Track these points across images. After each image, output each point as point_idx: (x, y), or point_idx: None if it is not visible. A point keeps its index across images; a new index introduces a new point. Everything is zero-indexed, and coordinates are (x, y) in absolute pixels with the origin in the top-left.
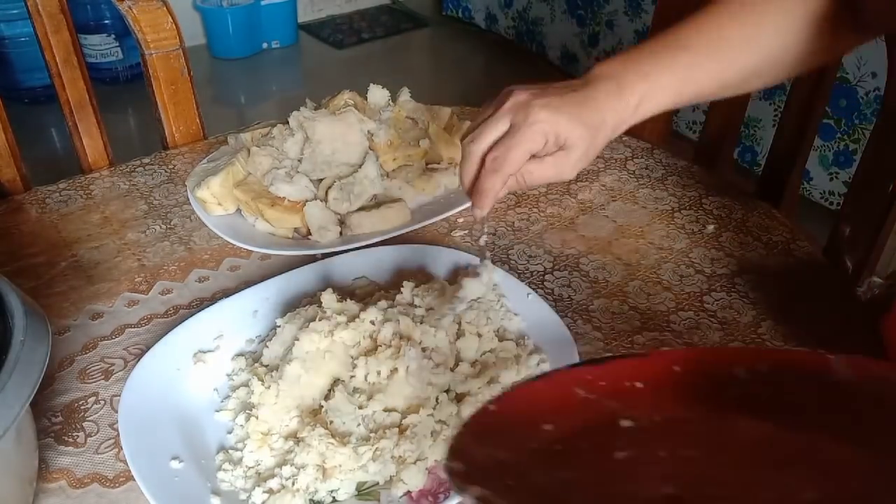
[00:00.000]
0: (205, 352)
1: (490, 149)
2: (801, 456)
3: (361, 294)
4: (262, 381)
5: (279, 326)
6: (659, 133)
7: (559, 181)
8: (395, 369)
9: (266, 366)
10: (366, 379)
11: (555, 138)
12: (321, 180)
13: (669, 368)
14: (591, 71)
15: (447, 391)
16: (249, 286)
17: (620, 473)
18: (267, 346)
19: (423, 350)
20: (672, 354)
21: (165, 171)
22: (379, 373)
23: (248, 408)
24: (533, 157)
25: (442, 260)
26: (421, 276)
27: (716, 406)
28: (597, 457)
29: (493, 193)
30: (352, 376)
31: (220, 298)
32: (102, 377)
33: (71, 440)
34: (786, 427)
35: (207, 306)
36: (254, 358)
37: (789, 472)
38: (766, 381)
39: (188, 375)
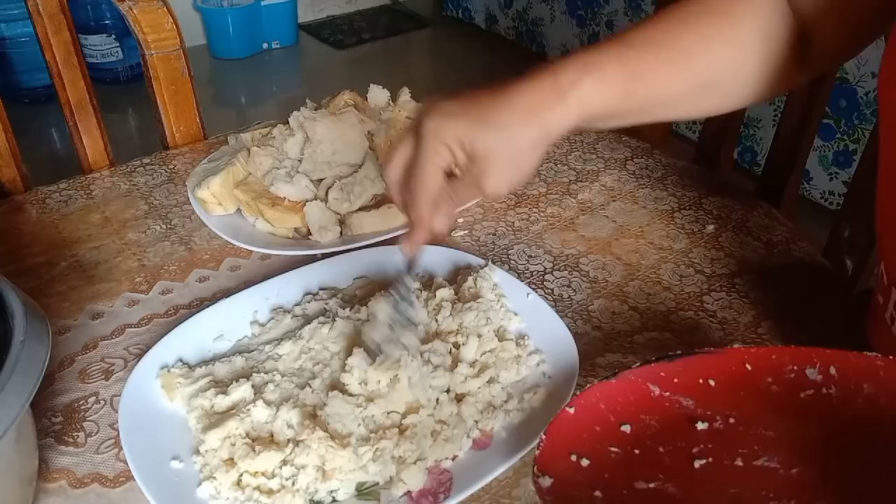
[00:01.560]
0: (205, 352)
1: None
2: (879, 471)
3: (362, 294)
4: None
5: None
6: (659, 133)
7: (494, 199)
8: (397, 377)
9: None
10: (365, 386)
11: (460, 148)
12: (321, 180)
13: (742, 366)
14: (534, 70)
15: (447, 391)
16: (249, 286)
17: (700, 485)
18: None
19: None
20: (745, 352)
21: (166, 171)
22: (379, 381)
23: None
24: (452, 175)
25: (442, 260)
26: (422, 276)
27: (788, 408)
28: (676, 465)
29: (424, 229)
30: (346, 384)
31: (221, 298)
32: (103, 377)
33: (71, 440)
34: (860, 436)
35: (208, 306)
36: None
37: (861, 487)
38: (839, 384)
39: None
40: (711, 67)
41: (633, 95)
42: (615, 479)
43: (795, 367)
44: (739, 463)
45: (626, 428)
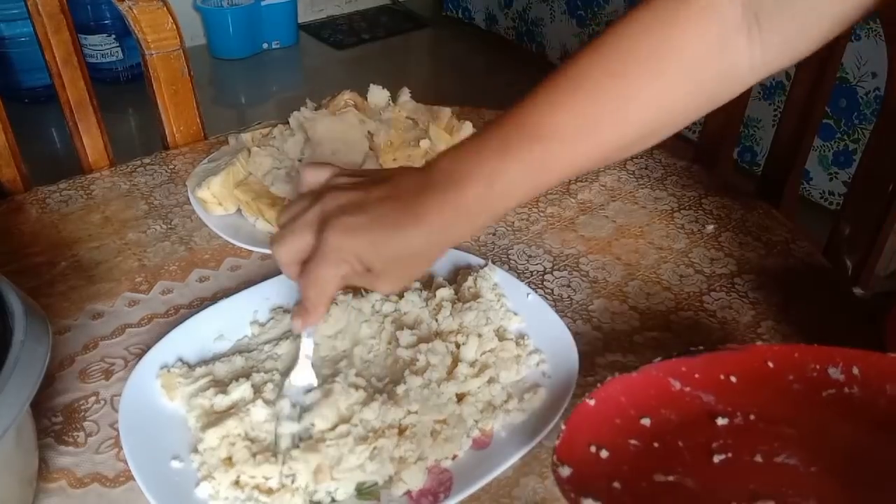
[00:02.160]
0: (205, 352)
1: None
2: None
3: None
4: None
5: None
6: None
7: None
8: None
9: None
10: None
11: (359, 265)
12: None
13: (763, 364)
14: (432, 166)
15: (438, 384)
16: (250, 286)
17: (719, 479)
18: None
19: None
20: (767, 350)
21: (166, 171)
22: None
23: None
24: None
25: (442, 260)
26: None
27: (810, 406)
28: (695, 460)
29: (318, 313)
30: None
31: (221, 298)
32: (103, 377)
33: (71, 440)
34: (882, 438)
35: (208, 306)
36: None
37: (882, 489)
38: (862, 384)
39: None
40: (633, 129)
41: (545, 185)
42: (634, 471)
43: (818, 366)
44: (759, 459)
45: (646, 421)
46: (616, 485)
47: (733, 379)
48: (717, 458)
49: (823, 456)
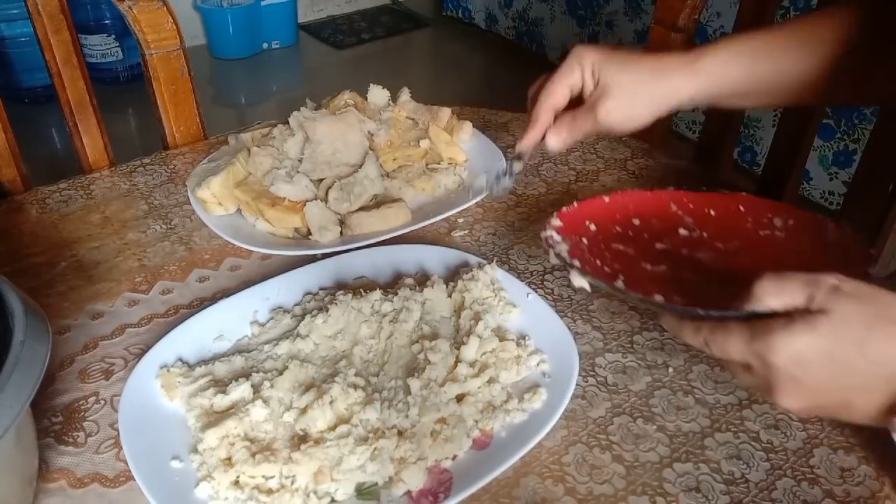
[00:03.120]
0: (205, 352)
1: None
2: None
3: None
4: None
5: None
6: (659, 133)
7: (604, 130)
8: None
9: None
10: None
11: (590, 73)
12: (321, 180)
13: (737, 207)
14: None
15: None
16: (249, 286)
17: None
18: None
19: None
20: (746, 199)
21: (166, 171)
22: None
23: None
24: (572, 110)
25: (442, 260)
26: (421, 276)
27: (749, 236)
28: (648, 244)
29: (539, 116)
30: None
31: (221, 298)
32: (103, 377)
33: (71, 440)
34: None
35: (208, 306)
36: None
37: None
38: (790, 231)
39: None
40: (847, 52)
41: (759, 76)
42: (603, 239)
43: (770, 215)
44: (695, 253)
45: (637, 221)
46: (584, 240)
47: (713, 212)
48: (658, 246)
49: (738, 260)
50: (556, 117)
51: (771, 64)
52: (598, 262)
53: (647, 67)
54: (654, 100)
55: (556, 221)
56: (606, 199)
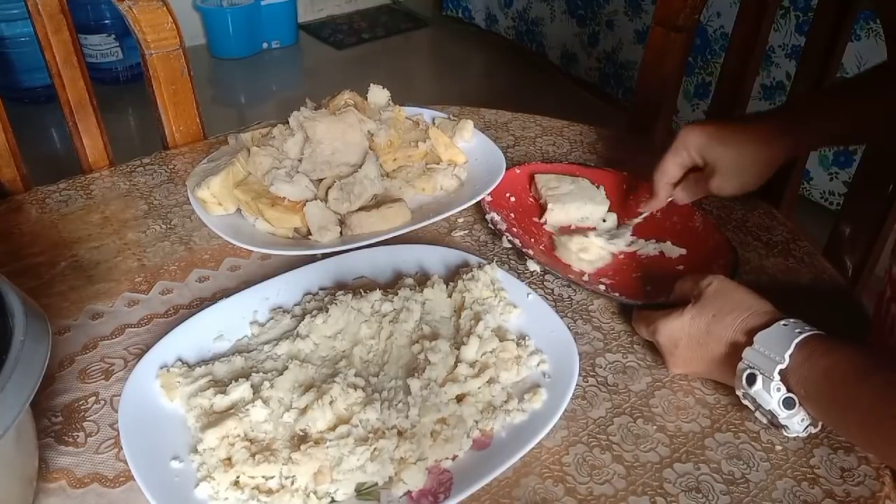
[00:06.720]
0: (204, 352)
1: None
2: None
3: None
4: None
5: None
6: (659, 134)
7: (719, 195)
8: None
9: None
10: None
11: (695, 153)
12: (321, 180)
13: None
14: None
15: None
16: (249, 286)
17: None
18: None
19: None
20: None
21: (165, 171)
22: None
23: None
24: (697, 173)
25: (442, 260)
26: (421, 276)
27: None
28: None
29: (657, 192)
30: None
31: (221, 298)
32: (102, 377)
33: (71, 440)
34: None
35: (207, 306)
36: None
37: None
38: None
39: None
40: None
41: (855, 127)
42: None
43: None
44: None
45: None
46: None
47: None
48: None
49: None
50: (684, 176)
51: (863, 122)
52: (528, 236)
53: (749, 140)
54: (759, 170)
55: (487, 197)
56: (518, 170)
